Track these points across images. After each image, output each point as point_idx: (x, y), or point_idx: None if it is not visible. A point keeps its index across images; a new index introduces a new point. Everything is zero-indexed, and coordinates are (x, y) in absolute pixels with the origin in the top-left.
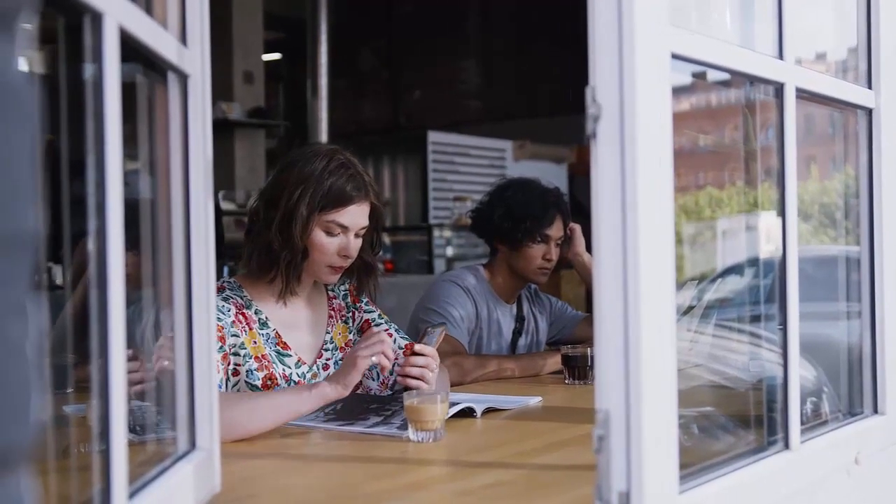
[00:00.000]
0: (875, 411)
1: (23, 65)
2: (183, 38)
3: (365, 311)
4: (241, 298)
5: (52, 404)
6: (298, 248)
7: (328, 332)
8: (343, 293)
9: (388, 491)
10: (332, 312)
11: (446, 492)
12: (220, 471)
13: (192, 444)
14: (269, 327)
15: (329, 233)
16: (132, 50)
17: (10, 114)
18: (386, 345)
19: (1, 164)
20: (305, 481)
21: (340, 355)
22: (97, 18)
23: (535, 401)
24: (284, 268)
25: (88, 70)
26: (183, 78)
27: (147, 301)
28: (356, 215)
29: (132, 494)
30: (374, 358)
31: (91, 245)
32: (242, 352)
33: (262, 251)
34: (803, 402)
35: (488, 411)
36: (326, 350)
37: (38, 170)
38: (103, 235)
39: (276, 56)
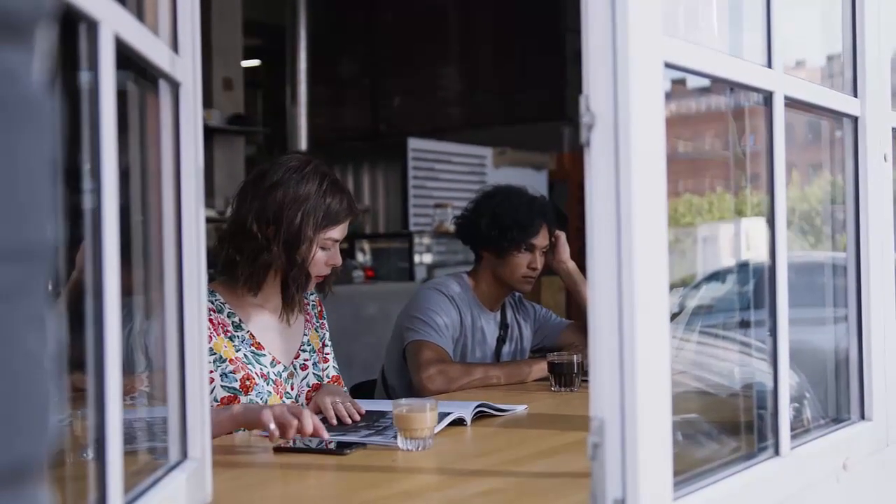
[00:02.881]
0: (862, 417)
1: (40, 75)
2: (174, 47)
3: (326, 329)
4: (213, 303)
5: None
6: (305, 269)
7: (305, 335)
8: (312, 303)
9: (381, 500)
10: (308, 317)
11: (441, 500)
12: (211, 481)
13: (184, 454)
14: (243, 329)
15: (323, 248)
16: (124, 57)
17: (30, 125)
18: (292, 428)
19: (21, 174)
20: (296, 491)
21: (317, 357)
22: (93, 26)
23: (521, 409)
24: (296, 289)
25: (83, 77)
26: (175, 86)
27: (136, 308)
28: (346, 228)
29: None
30: (272, 426)
31: (84, 252)
32: (212, 357)
33: (263, 269)
34: None
35: (478, 417)
36: (304, 351)
37: (56, 180)
38: (99, 243)
39: (255, 63)
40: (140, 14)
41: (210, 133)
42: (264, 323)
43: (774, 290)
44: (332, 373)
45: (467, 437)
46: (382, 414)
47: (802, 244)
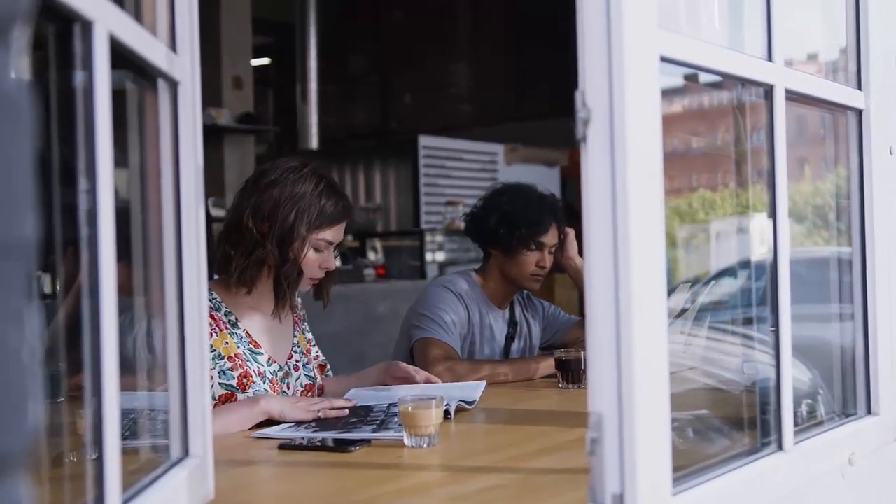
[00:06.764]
0: (868, 412)
1: (18, 72)
2: (173, 46)
3: (308, 331)
4: (211, 301)
5: (46, 413)
6: (297, 265)
7: (295, 336)
8: (300, 306)
9: (383, 496)
10: (297, 319)
11: (442, 496)
12: (213, 478)
13: (186, 452)
14: (240, 328)
15: (316, 249)
16: (121, 57)
17: (7, 121)
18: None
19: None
20: (299, 488)
21: (305, 359)
22: (87, 26)
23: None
24: (287, 285)
25: (78, 77)
26: (173, 85)
27: (139, 310)
28: (341, 232)
29: (125, 502)
30: (320, 413)
31: (83, 253)
32: (211, 354)
33: (256, 265)
34: (798, 405)
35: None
36: (296, 352)
37: (35, 177)
38: (95, 243)
39: (265, 61)
40: (138, 13)
41: (220, 132)
42: (258, 323)
43: (777, 284)
44: (319, 363)
45: (472, 434)
46: (369, 411)
47: (816, 240)
